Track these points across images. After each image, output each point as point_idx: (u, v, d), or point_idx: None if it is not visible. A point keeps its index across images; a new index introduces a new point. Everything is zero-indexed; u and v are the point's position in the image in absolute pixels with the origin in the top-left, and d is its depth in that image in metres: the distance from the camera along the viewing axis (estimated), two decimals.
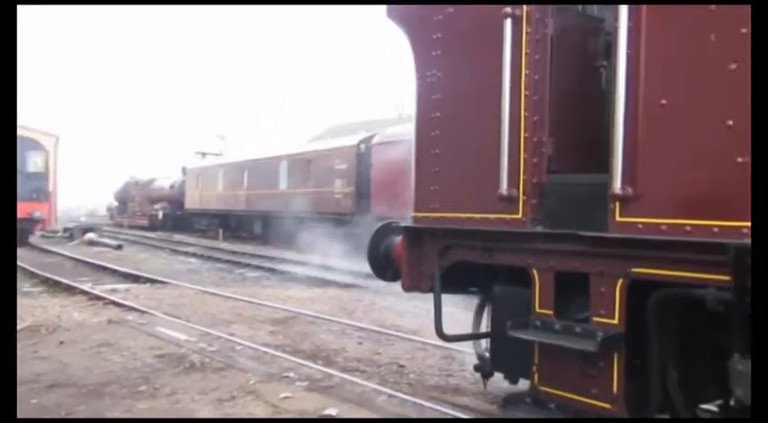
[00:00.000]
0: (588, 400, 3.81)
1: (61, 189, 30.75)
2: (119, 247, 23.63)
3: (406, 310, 9.87)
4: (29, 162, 25.41)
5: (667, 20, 3.37)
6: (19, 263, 17.22)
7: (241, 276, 16.13)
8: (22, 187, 24.91)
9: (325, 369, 6.48)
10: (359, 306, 10.56)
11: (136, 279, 14.34)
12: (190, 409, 5.20)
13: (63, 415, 5.02)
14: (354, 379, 6.11)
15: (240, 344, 7.54)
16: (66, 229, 29.08)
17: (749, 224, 3.02)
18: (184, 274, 16.17)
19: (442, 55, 4.56)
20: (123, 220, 42.63)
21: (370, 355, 7.18)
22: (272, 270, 16.67)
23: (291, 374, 6.27)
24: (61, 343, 7.58)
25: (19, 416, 4.97)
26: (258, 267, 17.66)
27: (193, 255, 21.76)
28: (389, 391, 5.71)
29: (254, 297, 11.40)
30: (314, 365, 6.60)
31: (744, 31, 3.08)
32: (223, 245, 25.82)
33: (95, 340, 7.68)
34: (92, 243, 25.39)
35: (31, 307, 10.15)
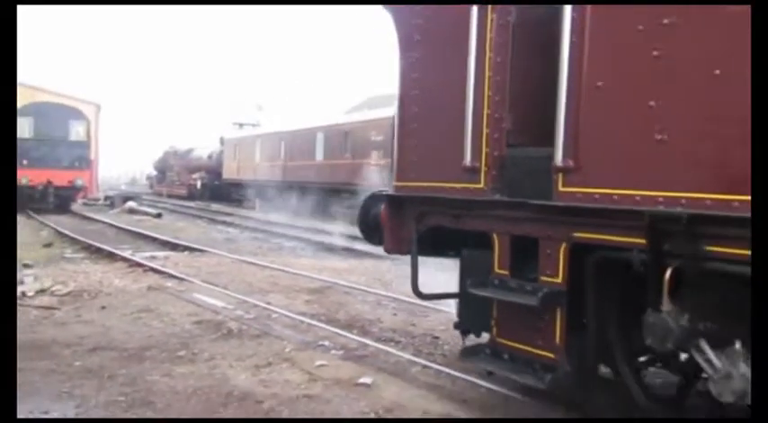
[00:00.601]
0: (535, 350, 4.22)
1: (102, 158, 31.31)
2: (158, 216, 24.02)
3: (440, 283, 9.85)
4: (71, 130, 25.89)
5: (605, 12, 3.73)
6: (62, 229, 17.69)
7: (277, 246, 16.28)
8: (64, 155, 25.47)
9: (360, 338, 6.52)
10: (394, 278, 10.58)
11: (174, 247, 14.57)
12: (227, 375, 5.29)
13: (105, 377, 5.14)
14: (389, 349, 6.14)
15: (276, 312, 7.63)
16: (107, 198, 29.66)
17: (665, 194, 3.41)
18: (222, 243, 16.38)
19: (421, 39, 5.00)
20: (162, 189, 43.28)
21: (404, 325, 7.21)
22: (308, 240, 16.79)
23: (326, 343, 6.33)
24: (103, 308, 7.76)
25: (64, 378, 5.14)
26: (294, 237, 17.79)
27: (231, 224, 22.02)
28: (423, 361, 5.73)
29: (290, 267, 11.51)
30: (349, 335, 6.65)
31: (666, 21, 3.41)
32: (260, 215, 26.07)
33: (136, 306, 7.85)
34: (132, 211, 25.85)
35: (74, 272, 10.40)
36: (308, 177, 27.00)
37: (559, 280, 4.02)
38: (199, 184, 38.20)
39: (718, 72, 3.21)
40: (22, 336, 6.38)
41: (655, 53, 3.46)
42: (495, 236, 4.44)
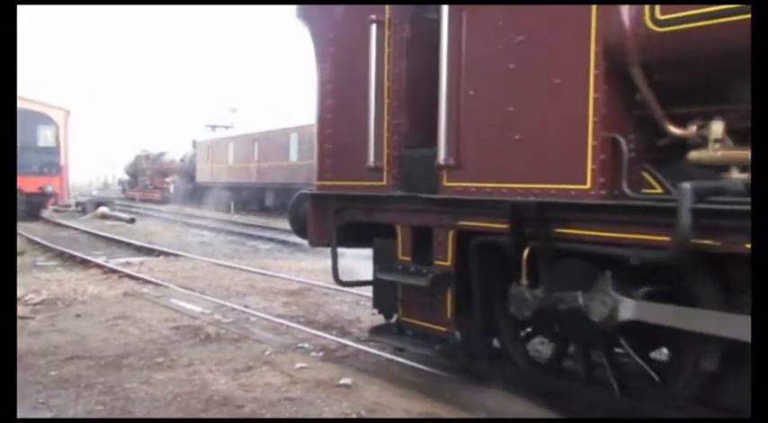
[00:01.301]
0: (431, 325, 4.93)
1: (73, 163, 30.83)
2: (131, 221, 23.75)
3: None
4: (39, 136, 25.47)
5: (472, 31, 4.41)
6: (33, 237, 17.40)
7: (253, 248, 16.20)
8: (33, 161, 25.05)
9: (340, 339, 6.53)
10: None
11: (149, 252, 14.43)
12: (207, 380, 5.26)
13: (82, 387, 5.09)
14: (369, 349, 6.15)
15: (255, 315, 7.61)
16: (78, 204, 29.23)
17: (523, 185, 4.09)
18: (197, 246, 16.26)
19: (332, 51, 5.61)
20: (135, 193, 42.82)
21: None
22: (284, 242, 16.73)
23: (306, 345, 6.33)
24: (78, 316, 7.66)
25: (40, 388, 5.07)
26: (270, 240, 17.73)
27: (205, 227, 21.86)
28: (402, 360, 5.75)
29: (267, 269, 11.47)
30: (328, 336, 6.66)
31: (519, 39, 4.10)
32: (234, 217, 25.92)
33: (112, 313, 7.77)
34: (104, 217, 25.52)
35: (47, 281, 10.26)
36: (282, 178, 26.88)
37: (449, 263, 4.70)
38: (172, 187, 37.83)
39: (558, 81, 3.91)
40: None
41: (511, 66, 4.15)
42: (398, 227, 5.14)
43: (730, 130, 3.59)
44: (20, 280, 10.20)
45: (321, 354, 6.05)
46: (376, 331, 5.58)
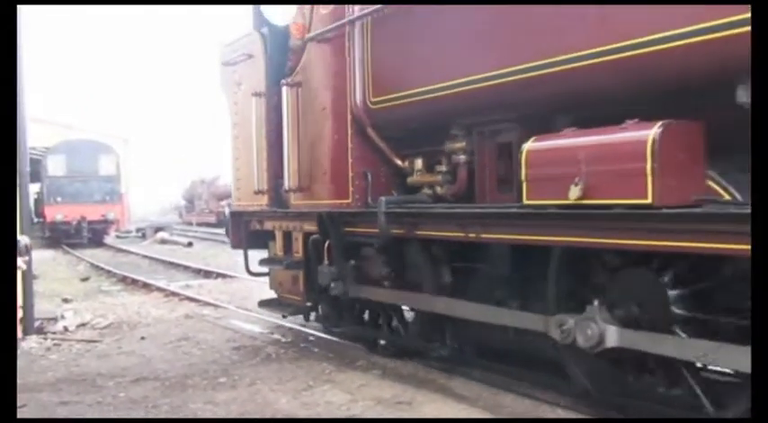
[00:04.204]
0: (293, 297, 7.10)
1: (133, 190, 31.76)
2: (189, 245, 24.29)
3: None
4: (100, 165, 26.37)
5: (297, 102, 6.43)
6: (97, 263, 17.99)
7: None
8: (95, 190, 25.94)
9: (398, 359, 6.50)
10: None
11: (207, 274, 14.73)
12: (269, 399, 5.32)
13: (150, 407, 5.22)
14: (423, 366, 6.12)
15: (313, 335, 7.67)
16: (138, 229, 30.06)
17: (325, 201, 6.15)
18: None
19: (236, 111, 7.63)
20: (192, 217, 43.68)
21: None
22: None
23: (363, 363, 6.34)
24: (142, 338, 7.88)
25: (110, 409, 5.22)
26: None
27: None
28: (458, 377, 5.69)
29: None
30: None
31: (323, 107, 6.12)
32: None
33: (174, 334, 7.96)
34: (164, 241, 26.17)
35: (112, 305, 10.58)
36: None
37: (300, 254, 6.85)
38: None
39: (336, 137, 5.97)
40: (66, 369, 6.53)
41: (316, 126, 6.24)
42: (276, 231, 7.27)
43: (426, 164, 5.58)
44: (87, 305, 10.58)
45: (380, 372, 6.06)
46: (264, 304, 7.73)
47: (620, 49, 3.65)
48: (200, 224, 40.16)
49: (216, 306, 9.95)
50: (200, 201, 44.02)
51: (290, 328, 8.07)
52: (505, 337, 5.15)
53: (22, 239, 5.73)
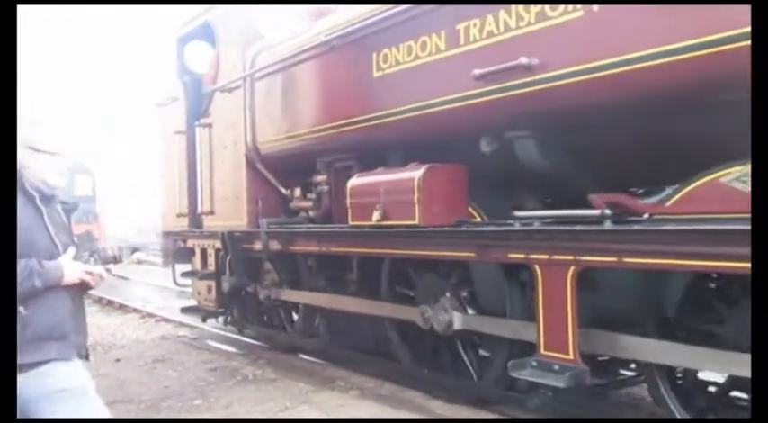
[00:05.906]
0: (208, 303, 8.18)
1: (109, 210, 31.43)
2: (165, 264, 23.99)
3: None
4: (75, 186, 26.11)
5: (207, 141, 7.71)
6: None
7: None
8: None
9: (376, 378, 6.47)
10: None
11: (182, 295, 14.53)
12: None
13: None
14: (405, 387, 6.10)
15: (303, 358, 7.59)
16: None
17: (228, 223, 7.37)
18: None
19: (167, 138, 8.59)
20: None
21: None
22: None
23: (342, 383, 6.31)
24: (117, 360, 7.77)
25: None
26: None
27: None
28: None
29: None
30: (366, 373, 6.61)
31: (225, 144, 7.39)
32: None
33: (150, 356, 7.86)
34: (140, 262, 25.83)
35: (88, 326, 10.38)
36: None
37: (213, 267, 7.90)
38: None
39: (236, 172, 7.21)
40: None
41: (223, 160, 7.45)
42: (195, 248, 8.31)
43: (303, 192, 6.74)
44: None
45: (358, 392, 6.03)
46: (185, 310, 8.88)
47: (392, 114, 5.08)
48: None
49: (192, 327, 9.84)
50: None
51: (269, 348, 8.01)
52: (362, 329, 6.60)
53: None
